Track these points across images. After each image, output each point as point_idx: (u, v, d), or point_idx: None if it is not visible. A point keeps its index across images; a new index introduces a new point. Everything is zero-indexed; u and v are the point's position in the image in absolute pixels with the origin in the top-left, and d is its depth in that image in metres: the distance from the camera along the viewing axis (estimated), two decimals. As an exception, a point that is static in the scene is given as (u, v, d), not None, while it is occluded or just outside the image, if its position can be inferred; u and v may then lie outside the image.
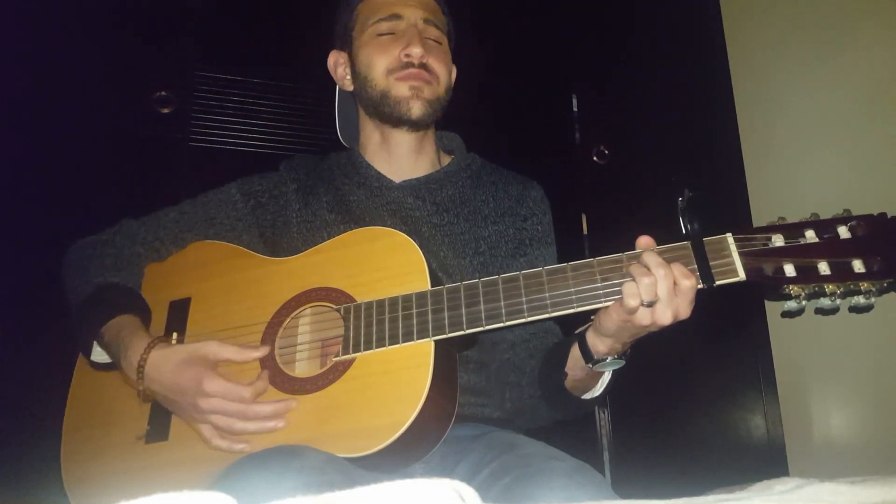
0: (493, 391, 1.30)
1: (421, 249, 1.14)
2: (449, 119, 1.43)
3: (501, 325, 1.06)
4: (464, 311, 1.07)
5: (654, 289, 0.97)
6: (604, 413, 2.26)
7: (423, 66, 1.33)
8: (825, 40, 2.42)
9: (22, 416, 1.68)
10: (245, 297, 1.22)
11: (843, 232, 0.97)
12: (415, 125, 1.35)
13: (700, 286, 0.99)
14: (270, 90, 2.16)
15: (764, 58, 2.57)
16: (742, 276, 0.98)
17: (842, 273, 0.95)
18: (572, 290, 1.03)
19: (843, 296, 0.97)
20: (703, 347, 2.32)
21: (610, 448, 2.23)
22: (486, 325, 1.06)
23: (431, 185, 1.39)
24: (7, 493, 1.62)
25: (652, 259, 0.98)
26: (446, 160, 1.46)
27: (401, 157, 1.40)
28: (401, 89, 1.32)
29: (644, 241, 1.03)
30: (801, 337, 2.36)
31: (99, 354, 1.23)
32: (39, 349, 1.65)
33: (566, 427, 1.32)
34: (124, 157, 1.98)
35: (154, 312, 1.27)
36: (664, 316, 0.98)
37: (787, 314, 1.01)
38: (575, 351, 1.14)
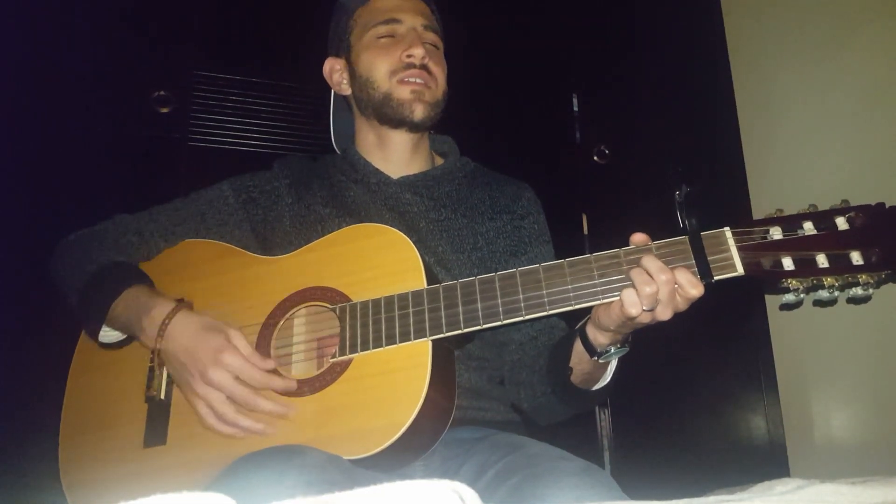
0: (495, 393, 1.30)
1: (419, 245, 1.13)
2: (449, 119, 1.43)
3: (499, 323, 1.04)
4: (461, 309, 1.06)
5: (655, 298, 0.97)
6: (604, 413, 2.25)
7: (424, 67, 1.34)
8: (825, 40, 2.41)
9: (21, 418, 1.67)
10: (239, 298, 1.21)
11: (841, 223, 0.96)
12: (416, 127, 1.36)
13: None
14: (270, 90, 2.16)
15: (764, 57, 2.57)
16: (740, 270, 0.97)
17: (840, 265, 0.95)
18: (570, 287, 1.03)
19: (842, 288, 0.96)
20: (703, 347, 2.32)
21: (610, 448, 2.22)
22: (484, 323, 1.05)
23: (429, 181, 1.39)
24: (7, 495, 1.62)
25: (652, 264, 0.98)
26: (440, 162, 1.47)
27: (396, 154, 1.40)
28: (403, 92, 1.33)
29: (639, 238, 1.03)
30: (801, 337, 2.35)
31: (105, 335, 1.23)
32: (38, 349, 1.65)
33: (567, 427, 1.32)
34: (124, 157, 1.98)
35: None
36: (664, 314, 1.00)
37: (785, 307, 1.00)
38: (578, 346, 1.14)
